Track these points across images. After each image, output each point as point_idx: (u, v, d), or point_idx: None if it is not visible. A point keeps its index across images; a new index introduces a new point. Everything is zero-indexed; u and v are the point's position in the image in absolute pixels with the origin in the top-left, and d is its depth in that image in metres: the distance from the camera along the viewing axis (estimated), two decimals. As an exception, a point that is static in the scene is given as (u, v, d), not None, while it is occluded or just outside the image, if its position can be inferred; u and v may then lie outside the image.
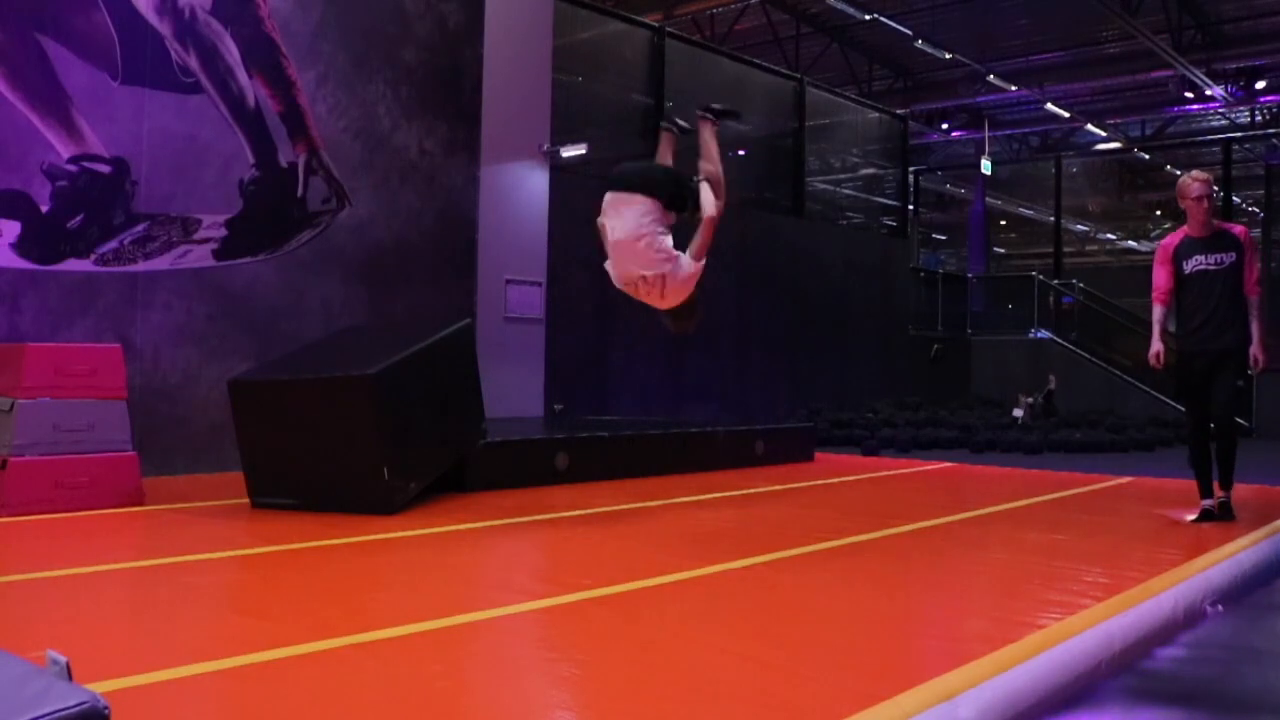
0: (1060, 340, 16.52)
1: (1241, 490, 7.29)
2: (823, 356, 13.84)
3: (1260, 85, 16.78)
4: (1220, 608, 3.74)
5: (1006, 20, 16.29)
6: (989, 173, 20.98)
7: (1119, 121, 20.94)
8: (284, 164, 7.01)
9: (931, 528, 5.01)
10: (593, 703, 2.38)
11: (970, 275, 19.46)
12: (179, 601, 3.26)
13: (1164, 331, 5.26)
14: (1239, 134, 20.44)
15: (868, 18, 15.17)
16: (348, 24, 7.37)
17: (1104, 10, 14.36)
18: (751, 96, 13.71)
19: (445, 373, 5.57)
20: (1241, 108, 18.72)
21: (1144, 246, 31.37)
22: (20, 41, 5.87)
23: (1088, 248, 30.18)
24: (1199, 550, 4.28)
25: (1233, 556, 4.20)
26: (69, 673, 1.37)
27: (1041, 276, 17.69)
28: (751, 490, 6.39)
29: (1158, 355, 5.22)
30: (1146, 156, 22.87)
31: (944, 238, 29.75)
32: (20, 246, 5.86)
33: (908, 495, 6.66)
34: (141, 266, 6.33)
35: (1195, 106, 18.39)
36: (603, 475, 6.52)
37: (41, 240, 5.93)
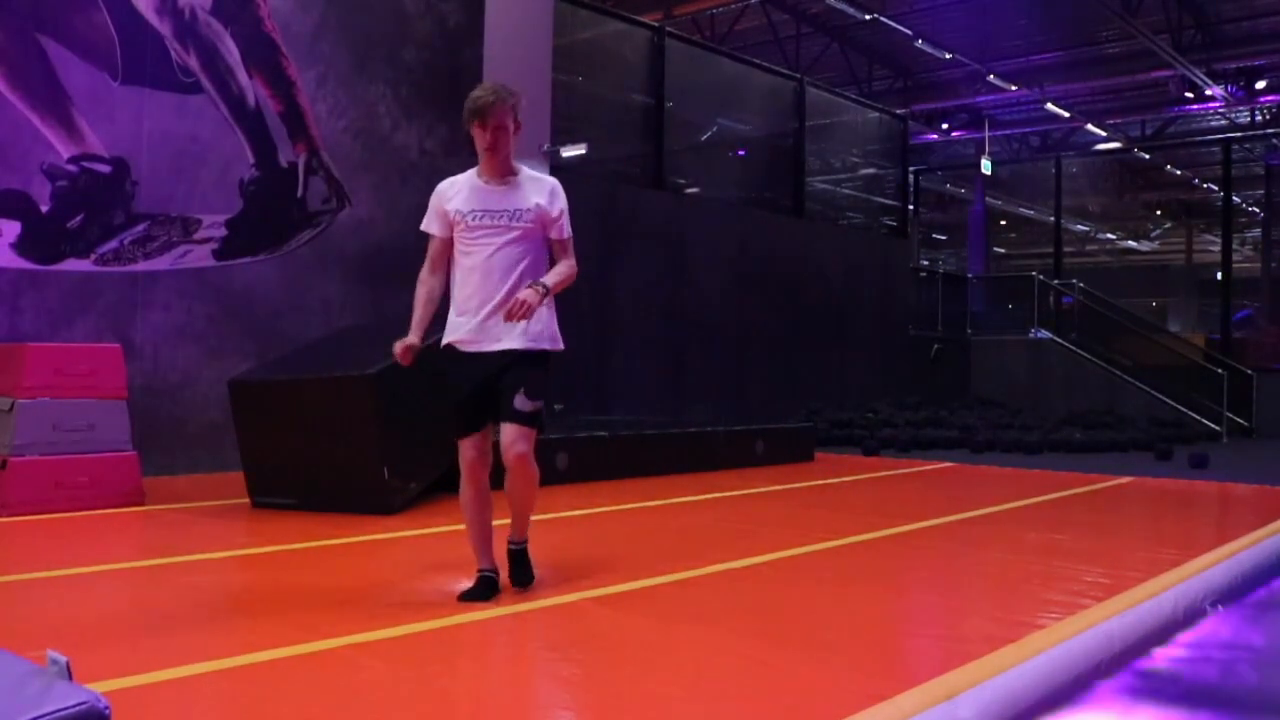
0: (1060, 340, 16.51)
1: (1241, 490, 7.31)
2: (823, 356, 13.83)
3: (1260, 85, 16.78)
4: (1220, 608, 3.74)
5: (1006, 20, 16.28)
6: (989, 173, 20.97)
7: (1119, 121, 20.93)
8: (284, 164, 7.01)
9: (931, 528, 5.01)
10: (593, 703, 2.38)
11: (970, 275, 19.46)
12: (179, 601, 3.26)
13: None
14: (1239, 134, 20.43)
15: (868, 18, 15.16)
16: (348, 24, 7.37)
17: (1104, 10, 14.35)
18: (751, 97, 13.70)
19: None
20: (1241, 108, 18.71)
21: (1144, 246, 31.41)
22: (20, 41, 5.87)
23: (1088, 248, 30.19)
24: (1199, 550, 4.27)
25: (1233, 556, 4.20)
26: (69, 673, 1.37)
27: (1041, 276, 17.67)
28: (751, 490, 6.38)
29: None
30: (1146, 156, 22.86)
31: (944, 238, 29.75)
32: (20, 246, 5.86)
33: (908, 495, 6.66)
34: (141, 266, 6.33)
35: (1195, 106, 18.37)
36: (603, 475, 6.52)
37: (41, 240, 5.93)
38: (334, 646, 2.68)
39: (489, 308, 3.28)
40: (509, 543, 3.52)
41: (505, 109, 3.29)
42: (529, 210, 3.32)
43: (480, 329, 3.29)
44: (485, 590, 3.29)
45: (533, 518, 4.61)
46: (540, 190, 3.39)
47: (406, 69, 7.73)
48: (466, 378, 3.31)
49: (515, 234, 3.31)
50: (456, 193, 3.42)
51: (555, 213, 3.37)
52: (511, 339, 3.27)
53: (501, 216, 3.32)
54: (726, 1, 15.78)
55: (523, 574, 3.50)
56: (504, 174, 3.37)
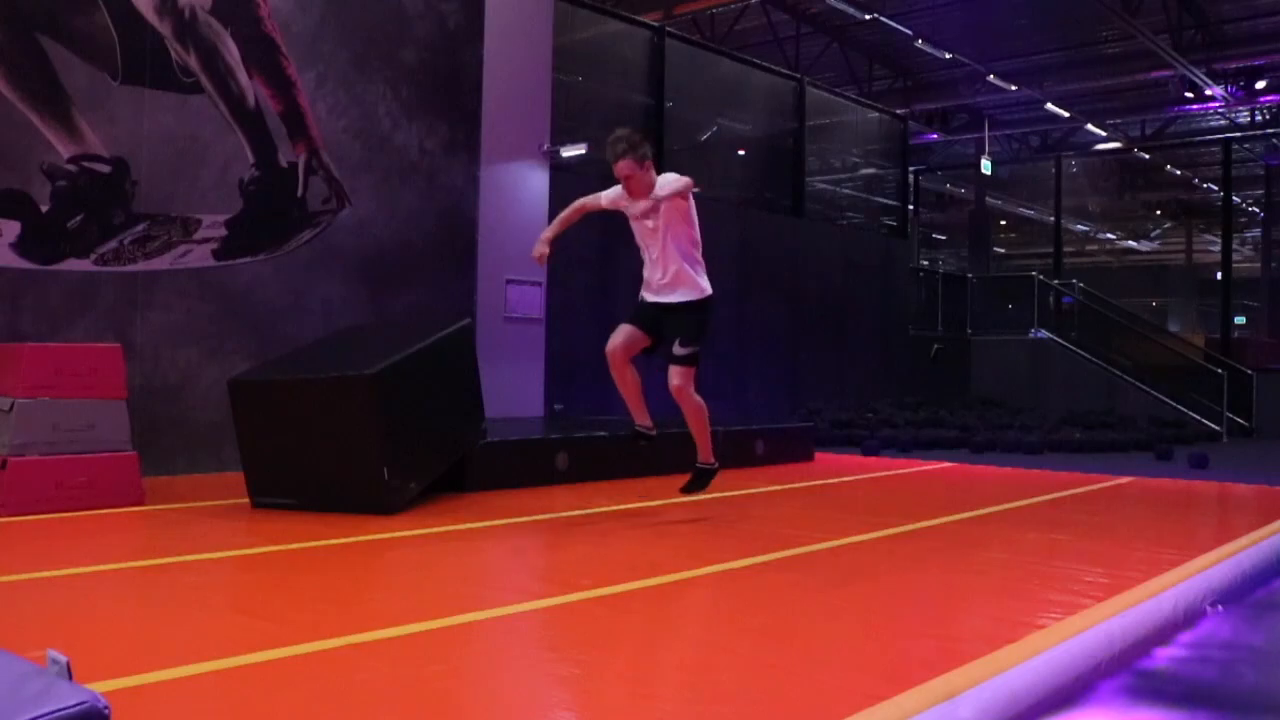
0: (1060, 340, 16.52)
1: (1242, 490, 7.31)
2: (823, 356, 13.84)
3: (1260, 85, 16.79)
4: (1220, 608, 3.74)
5: (1006, 20, 16.29)
6: (989, 172, 20.98)
7: (1119, 121, 20.95)
8: (284, 164, 7.01)
9: (931, 528, 5.02)
10: (593, 703, 2.38)
11: (970, 275, 19.47)
12: (179, 601, 3.26)
13: None
14: (1239, 134, 20.44)
15: (868, 18, 15.17)
16: (348, 24, 7.37)
17: (1104, 10, 14.36)
18: (751, 96, 13.70)
19: (445, 373, 5.57)
20: (1241, 108, 18.72)
21: (1144, 246, 31.42)
22: (20, 41, 5.87)
23: (1088, 248, 30.22)
24: (1199, 550, 4.28)
25: (1233, 556, 4.20)
26: (69, 672, 1.37)
27: (1041, 276, 17.69)
28: (751, 490, 6.38)
29: None
30: (1146, 156, 22.87)
31: (944, 238, 29.74)
32: (20, 246, 5.85)
33: (908, 495, 6.66)
34: (141, 266, 6.33)
35: (1195, 106, 18.38)
36: (603, 475, 6.52)
37: (41, 240, 5.93)
38: (334, 646, 2.68)
39: None
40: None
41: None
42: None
43: None
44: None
45: (534, 516, 4.62)
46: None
47: (406, 69, 7.73)
48: None
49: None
50: None
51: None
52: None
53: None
54: (726, 1, 15.78)
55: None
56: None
